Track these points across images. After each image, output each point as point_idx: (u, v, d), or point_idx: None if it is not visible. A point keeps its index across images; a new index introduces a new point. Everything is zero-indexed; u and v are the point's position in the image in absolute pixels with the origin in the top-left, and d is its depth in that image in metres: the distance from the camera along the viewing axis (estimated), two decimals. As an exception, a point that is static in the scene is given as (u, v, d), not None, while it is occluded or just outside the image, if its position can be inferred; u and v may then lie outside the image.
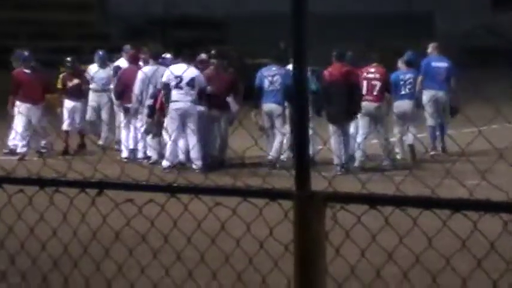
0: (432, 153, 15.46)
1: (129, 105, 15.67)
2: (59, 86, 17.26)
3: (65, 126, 17.06)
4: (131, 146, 15.72)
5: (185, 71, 14.35)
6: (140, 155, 15.62)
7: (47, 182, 3.85)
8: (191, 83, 14.69)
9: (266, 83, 15.00)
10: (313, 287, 3.11)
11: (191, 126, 14.51)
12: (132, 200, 3.81)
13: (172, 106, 14.63)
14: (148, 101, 15.17)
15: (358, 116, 14.61)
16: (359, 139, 14.55)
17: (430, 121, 15.84)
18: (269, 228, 3.58)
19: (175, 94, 14.65)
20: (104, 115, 17.54)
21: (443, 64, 15.97)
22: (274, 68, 15.13)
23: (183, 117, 14.59)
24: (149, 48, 16.77)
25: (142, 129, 15.25)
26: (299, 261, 3.13)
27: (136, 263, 4.31)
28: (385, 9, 44.70)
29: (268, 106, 14.99)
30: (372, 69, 14.92)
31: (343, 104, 13.79)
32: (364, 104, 14.51)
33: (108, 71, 17.40)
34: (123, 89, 15.85)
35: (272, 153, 14.55)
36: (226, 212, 3.65)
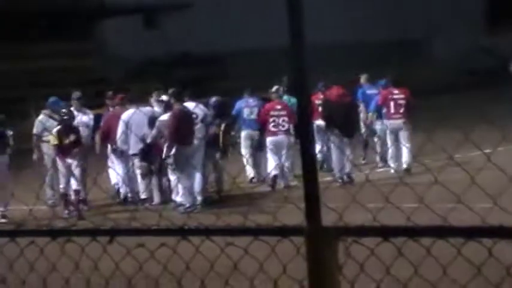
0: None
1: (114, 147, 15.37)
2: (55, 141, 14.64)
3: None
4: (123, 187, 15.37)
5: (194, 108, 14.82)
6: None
7: (58, 232, 3.85)
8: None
9: (245, 113, 16.70)
10: (330, 322, 3.09)
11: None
12: (143, 245, 3.80)
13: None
14: (139, 145, 14.89)
15: (387, 134, 16.64)
16: (390, 155, 16.56)
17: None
18: (282, 265, 3.56)
19: None
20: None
21: (374, 91, 17.92)
22: (251, 100, 16.93)
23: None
24: (155, 88, 17.00)
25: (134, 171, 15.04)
26: (314, 297, 3.11)
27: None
28: (380, 37, 44.80)
29: (249, 132, 16.58)
30: (396, 91, 16.75)
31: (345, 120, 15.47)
32: (391, 122, 16.58)
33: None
34: (109, 132, 15.47)
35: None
36: (237, 250, 3.63)
